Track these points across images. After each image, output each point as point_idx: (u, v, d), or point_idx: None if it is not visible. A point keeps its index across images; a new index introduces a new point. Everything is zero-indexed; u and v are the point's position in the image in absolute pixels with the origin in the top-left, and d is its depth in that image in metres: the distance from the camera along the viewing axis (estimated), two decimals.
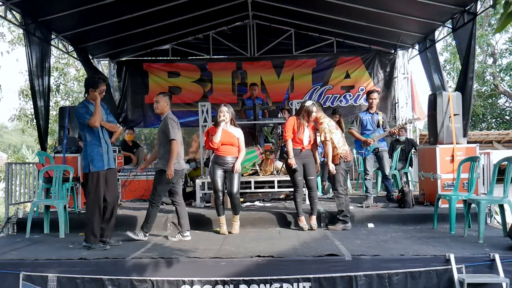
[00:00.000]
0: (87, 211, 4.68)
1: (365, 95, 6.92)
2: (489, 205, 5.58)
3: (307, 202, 5.63)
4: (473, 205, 4.85)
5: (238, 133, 5.30)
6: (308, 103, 5.35)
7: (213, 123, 5.50)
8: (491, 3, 6.70)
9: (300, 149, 5.31)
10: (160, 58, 10.76)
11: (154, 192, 4.98)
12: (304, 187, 5.47)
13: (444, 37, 8.66)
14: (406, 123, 7.23)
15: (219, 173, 5.20)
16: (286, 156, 5.43)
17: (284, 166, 7.13)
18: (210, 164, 5.35)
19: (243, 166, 6.46)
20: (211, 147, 5.24)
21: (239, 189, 5.34)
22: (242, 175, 6.63)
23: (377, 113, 6.49)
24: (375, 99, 6.50)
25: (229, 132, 5.23)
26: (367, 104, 6.79)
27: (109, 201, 4.68)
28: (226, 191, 5.36)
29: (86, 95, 4.69)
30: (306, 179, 5.36)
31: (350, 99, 10.29)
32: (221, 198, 5.23)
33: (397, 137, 8.65)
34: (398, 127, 6.79)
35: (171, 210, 6.25)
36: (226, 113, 5.19)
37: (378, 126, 6.43)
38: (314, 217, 5.39)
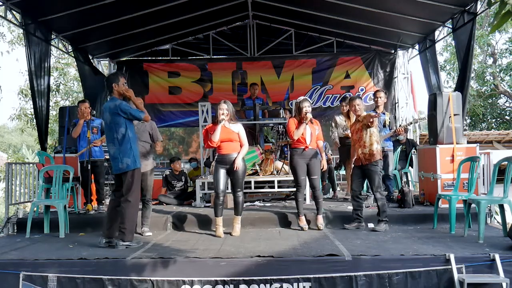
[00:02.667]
0: (131, 209, 4.57)
1: (372, 95, 6.89)
2: (489, 205, 5.57)
3: (307, 202, 5.63)
4: (473, 205, 4.85)
5: (238, 128, 5.16)
6: (299, 99, 5.36)
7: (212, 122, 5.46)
8: (487, 2, 6.71)
9: (303, 148, 5.27)
10: (160, 58, 10.76)
11: (150, 191, 5.25)
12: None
13: (444, 37, 8.67)
14: (412, 123, 7.22)
15: (222, 172, 5.10)
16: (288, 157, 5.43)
17: (283, 165, 7.16)
18: (214, 163, 5.28)
19: None
20: (210, 145, 5.16)
21: (243, 188, 5.25)
22: None
23: (383, 113, 6.49)
24: (380, 97, 6.48)
25: (227, 129, 5.10)
26: (374, 104, 6.76)
27: None
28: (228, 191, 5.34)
29: (111, 94, 4.65)
30: (309, 178, 5.33)
31: None
32: (221, 198, 5.11)
33: (397, 138, 8.65)
34: (404, 126, 6.78)
35: (171, 210, 6.26)
36: (225, 110, 5.08)
37: (384, 126, 6.43)
38: (320, 217, 5.36)
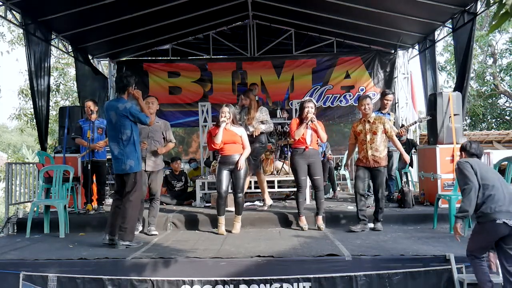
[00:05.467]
0: (132, 209, 4.60)
1: (379, 95, 6.79)
2: None
3: (307, 202, 5.62)
4: None
5: (240, 131, 5.31)
6: (304, 99, 5.40)
7: (214, 123, 5.50)
8: (486, 2, 6.72)
9: (303, 148, 5.28)
10: (160, 58, 10.75)
11: (159, 190, 5.34)
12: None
13: (444, 37, 8.67)
14: (416, 122, 7.21)
15: (225, 173, 5.21)
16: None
17: (283, 165, 7.15)
18: (216, 164, 5.37)
19: None
20: (213, 148, 5.27)
21: (244, 189, 5.33)
22: None
23: (388, 114, 6.47)
24: (390, 100, 6.47)
25: (230, 131, 5.23)
26: (380, 105, 6.70)
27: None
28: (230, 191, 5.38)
29: (120, 94, 4.67)
30: (312, 178, 5.34)
31: (350, 99, 10.28)
32: (223, 198, 5.23)
33: (400, 138, 8.63)
34: (406, 127, 6.76)
35: (171, 210, 6.27)
36: (227, 113, 5.21)
37: None
38: (320, 217, 5.37)
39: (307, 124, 5.23)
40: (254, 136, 5.96)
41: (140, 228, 5.23)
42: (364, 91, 10.17)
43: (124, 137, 4.54)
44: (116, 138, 4.57)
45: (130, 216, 4.59)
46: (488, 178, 3.51)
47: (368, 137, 5.27)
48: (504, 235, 3.41)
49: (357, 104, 5.64)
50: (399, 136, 6.47)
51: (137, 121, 4.61)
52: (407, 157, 5.50)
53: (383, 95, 6.55)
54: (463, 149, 3.84)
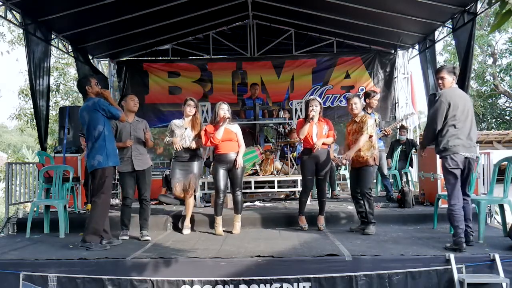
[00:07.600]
0: (97, 208, 4.52)
1: (365, 95, 6.70)
2: (489, 205, 5.57)
3: (307, 201, 5.61)
4: (473, 205, 4.84)
5: (235, 129, 5.30)
6: (309, 98, 5.40)
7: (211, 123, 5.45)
8: (487, 1, 6.71)
9: (311, 149, 5.25)
10: (160, 58, 10.75)
11: (149, 190, 5.18)
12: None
13: (444, 37, 8.67)
14: (402, 120, 7.19)
15: (222, 172, 5.20)
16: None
17: (283, 165, 7.15)
18: (213, 164, 5.33)
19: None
20: (212, 143, 5.21)
21: (242, 187, 5.33)
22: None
23: (373, 113, 6.44)
24: (376, 100, 6.42)
25: (227, 129, 5.23)
26: (366, 104, 6.66)
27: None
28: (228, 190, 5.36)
29: (86, 96, 4.66)
30: (316, 177, 5.31)
31: None
32: (221, 198, 5.22)
33: (398, 137, 8.67)
34: (392, 127, 6.74)
35: (171, 210, 6.26)
36: (227, 111, 5.22)
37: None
38: (322, 217, 5.37)
39: (308, 122, 5.21)
40: (197, 149, 5.41)
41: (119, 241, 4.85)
42: (364, 91, 10.15)
43: (96, 133, 4.51)
44: (90, 135, 4.56)
45: (93, 218, 4.51)
46: (458, 118, 4.14)
47: (354, 137, 5.17)
48: (463, 167, 4.15)
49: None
50: (386, 135, 6.46)
51: (107, 114, 4.55)
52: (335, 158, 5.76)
53: (369, 95, 6.36)
54: (455, 73, 4.37)
